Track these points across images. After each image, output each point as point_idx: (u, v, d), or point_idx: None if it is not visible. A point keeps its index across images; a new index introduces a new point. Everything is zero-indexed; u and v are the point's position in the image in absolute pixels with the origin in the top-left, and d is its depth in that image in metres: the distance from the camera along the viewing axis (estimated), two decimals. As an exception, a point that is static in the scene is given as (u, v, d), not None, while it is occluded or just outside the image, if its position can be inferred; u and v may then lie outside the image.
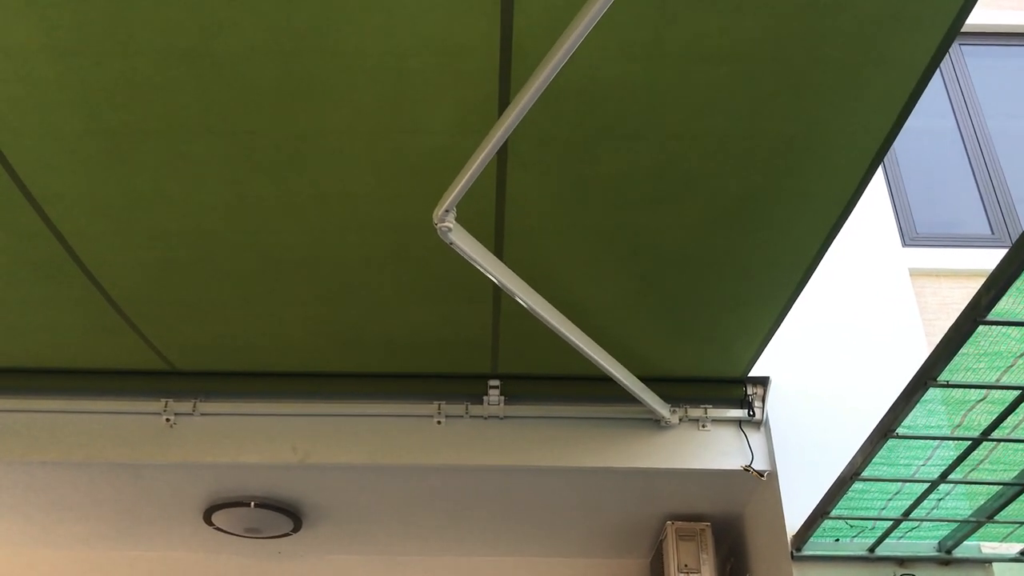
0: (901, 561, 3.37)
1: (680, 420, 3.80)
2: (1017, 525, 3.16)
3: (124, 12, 2.07)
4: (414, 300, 3.19)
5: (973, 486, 2.95)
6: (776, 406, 3.82)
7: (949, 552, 3.34)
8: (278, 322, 3.34)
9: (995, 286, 2.08)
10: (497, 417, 3.81)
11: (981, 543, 3.35)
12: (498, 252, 2.88)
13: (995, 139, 4.88)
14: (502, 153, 2.50)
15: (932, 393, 2.45)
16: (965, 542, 3.29)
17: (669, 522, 4.17)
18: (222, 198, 2.67)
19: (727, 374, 3.75)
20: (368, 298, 3.18)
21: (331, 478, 3.95)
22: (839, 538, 3.38)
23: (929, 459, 2.82)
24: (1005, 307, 2.12)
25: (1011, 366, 2.36)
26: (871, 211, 4.45)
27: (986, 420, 2.58)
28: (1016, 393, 2.44)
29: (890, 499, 3.06)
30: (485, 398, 3.79)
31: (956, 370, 2.36)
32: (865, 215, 4.39)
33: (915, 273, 4.30)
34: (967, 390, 2.47)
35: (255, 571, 4.81)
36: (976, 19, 5.16)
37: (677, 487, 3.95)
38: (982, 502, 3.04)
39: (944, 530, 3.27)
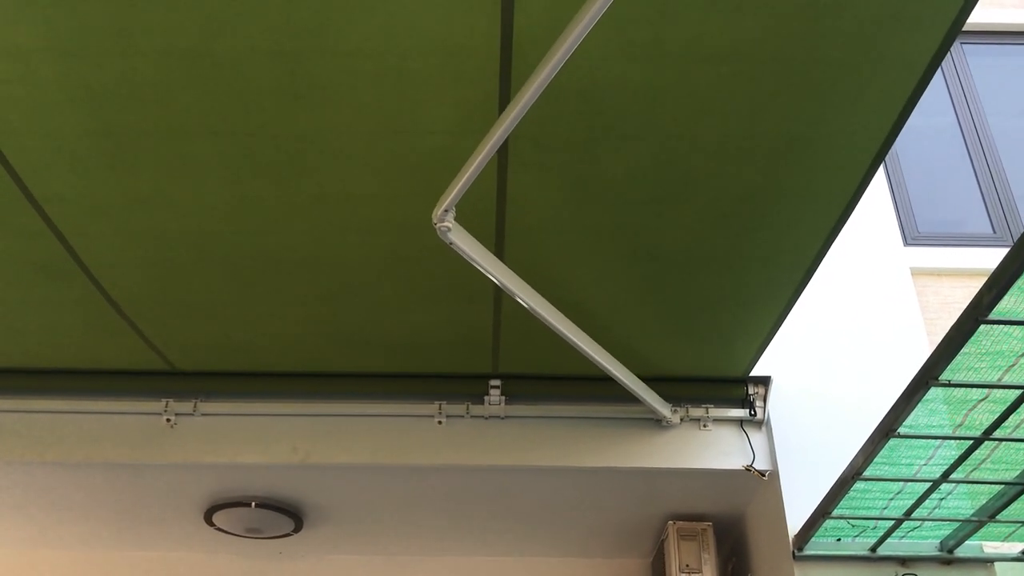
0: (903, 561, 3.37)
1: (681, 420, 3.80)
2: (1019, 524, 3.15)
3: (124, 13, 2.07)
4: (415, 300, 3.19)
5: (975, 485, 2.95)
6: (777, 406, 3.82)
7: (951, 552, 3.34)
8: (279, 322, 3.34)
9: (997, 285, 2.08)
10: (498, 417, 3.81)
11: (983, 543, 3.35)
12: (499, 252, 2.88)
13: (996, 138, 4.87)
14: (503, 153, 2.50)
15: (934, 392, 2.45)
16: (967, 542, 3.29)
17: (670, 522, 4.16)
18: (222, 198, 2.67)
19: (728, 374, 3.75)
20: (369, 298, 3.18)
21: (332, 478, 3.95)
22: (841, 538, 3.38)
23: (931, 459, 2.81)
24: (1007, 306, 2.12)
25: (1013, 365, 2.35)
26: (872, 210, 4.44)
27: (988, 419, 2.57)
28: (1018, 392, 2.44)
29: (892, 499, 3.06)
30: (486, 398, 3.79)
31: (958, 369, 2.36)
32: (866, 214, 4.38)
33: (916, 272, 4.30)
34: (969, 389, 2.47)
35: (256, 571, 4.81)
36: (977, 18, 5.15)
37: (678, 487, 3.94)
38: (984, 502, 3.04)
39: (946, 530, 3.27)
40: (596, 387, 3.68)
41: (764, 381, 3.82)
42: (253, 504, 4.14)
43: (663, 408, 3.68)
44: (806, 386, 3.85)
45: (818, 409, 3.77)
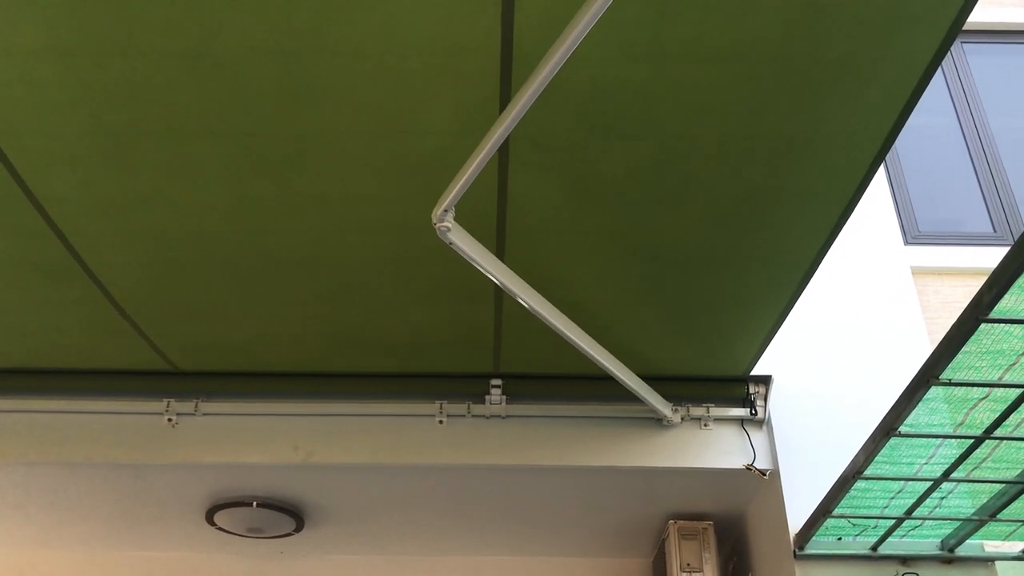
0: (904, 560, 3.37)
1: (682, 419, 3.80)
2: (1020, 524, 3.15)
3: (125, 13, 2.07)
4: (415, 300, 3.19)
5: (976, 484, 2.95)
6: (778, 405, 3.82)
7: (952, 551, 3.34)
8: (280, 322, 3.35)
9: (997, 284, 2.08)
10: (499, 416, 3.81)
11: (984, 541, 3.35)
12: (500, 252, 2.88)
13: (997, 137, 4.87)
14: (503, 153, 2.50)
15: (934, 391, 2.45)
16: (968, 540, 3.29)
17: (671, 521, 4.17)
18: (222, 198, 2.67)
19: (729, 373, 3.75)
20: (369, 298, 3.18)
21: (333, 478, 3.95)
22: (842, 537, 3.38)
23: (931, 457, 2.81)
24: (1007, 305, 2.12)
25: (1013, 364, 2.35)
26: (873, 209, 4.44)
27: (988, 418, 2.57)
28: (1018, 391, 2.44)
29: (892, 498, 3.06)
30: (487, 397, 3.79)
31: (958, 368, 2.36)
32: (867, 213, 4.38)
33: (917, 271, 4.30)
34: (969, 388, 2.47)
35: (257, 571, 4.82)
36: (978, 17, 5.15)
37: (679, 486, 3.95)
38: (985, 500, 3.04)
39: (947, 529, 3.27)
40: (597, 386, 3.68)
41: (765, 380, 3.82)
42: (254, 504, 4.14)
43: (664, 407, 3.68)
44: (807, 385, 3.85)
45: (819, 408, 3.77)
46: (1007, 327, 2.21)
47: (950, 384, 2.41)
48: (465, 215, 2.51)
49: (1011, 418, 2.55)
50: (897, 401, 2.56)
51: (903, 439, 2.69)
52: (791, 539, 3.45)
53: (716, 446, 3.78)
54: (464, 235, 2.56)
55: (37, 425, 3.81)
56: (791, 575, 3.44)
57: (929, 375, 2.39)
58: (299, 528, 4.37)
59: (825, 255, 2.87)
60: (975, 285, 2.18)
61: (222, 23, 2.09)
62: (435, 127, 2.40)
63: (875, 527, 3.27)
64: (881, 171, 4.64)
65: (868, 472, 2.86)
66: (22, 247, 2.89)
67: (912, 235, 4.52)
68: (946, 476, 2.86)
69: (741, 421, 3.82)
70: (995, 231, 4.57)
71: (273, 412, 3.82)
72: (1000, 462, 2.80)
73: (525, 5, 2.05)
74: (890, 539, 3.30)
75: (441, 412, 3.81)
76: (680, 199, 2.66)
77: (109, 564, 4.81)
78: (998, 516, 3.06)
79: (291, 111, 2.35)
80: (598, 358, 3.23)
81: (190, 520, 4.39)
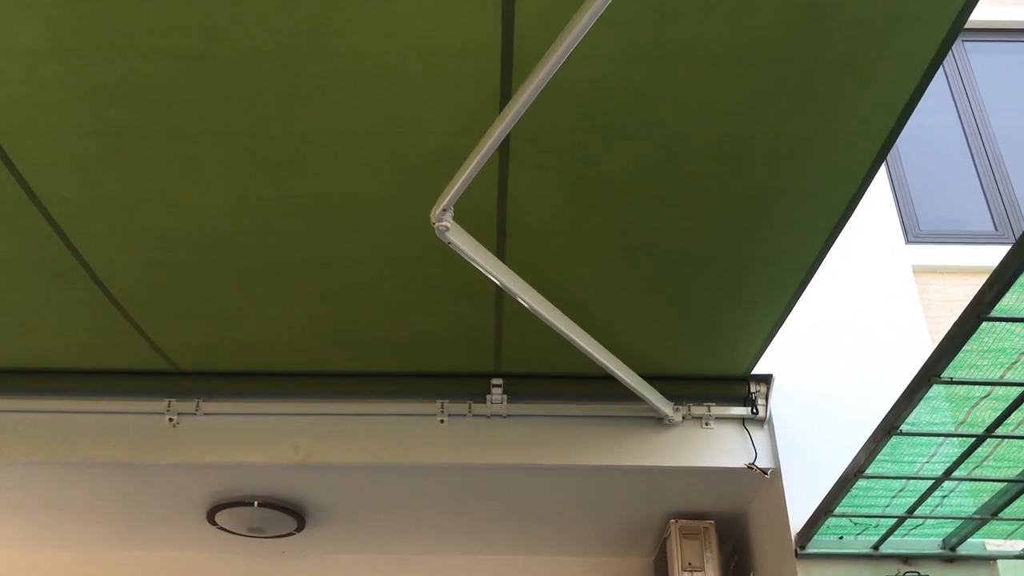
0: (905, 559, 3.37)
1: (683, 418, 3.80)
2: (1021, 522, 3.15)
3: (126, 13, 2.07)
4: (416, 300, 3.19)
5: (977, 483, 2.95)
6: (779, 404, 3.82)
7: (953, 549, 3.34)
8: (281, 322, 3.35)
9: (999, 283, 2.08)
10: (500, 416, 3.81)
11: (985, 540, 3.35)
12: (500, 252, 2.88)
13: (998, 135, 4.87)
14: (504, 153, 2.50)
15: (936, 390, 2.45)
16: (969, 539, 3.29)
17: (673, 520, 4.17)
18: (224, 199, 2.67)
19: (730, 372, 3.75)
20: (370, 298, 3.18)
21: (334, 477, 3.95)
22: (843, 536, 3.38)
23: (933, 456, 2.81)
24: (1009, 303, 2.12)
25: (1015, 363, 2.35)
26: (874, 208, 4.44)
27: (990, 417, 2.57)
28: (1020, 390, 2.44)
29: (894, 496, 3.06)
30: (488, 397, 3.79)
31: (960, 367, 2.36)
32: (868, 212, 4.38)
33: (918, 270, 4.30)
34: (971, 387, 2.47)
35: (258, 571, 4.82)
36: (979, 15, 5.14)
37: (681, 485, 3.95)
38: (986, 499, 3.04)
39: (948, 527, 3.27)
40: (598, 386, 3.68)
41: (766, 379, 3.82)
42: (255, 503, 4.14)
43: (665, 406, 3.68)
44: (808, 384, 3.85)
45: (820, 407, 3.77)
46: (1008, 325, 2.21)
47: (951, 383, 2.41)
48: (466, 215, 2.51)
49: (1012, 416, 2.55)
50: (898, 400, 2.56)
51: (904, 438, 2.69)
52: (792, 538, 3.45)
53: (717, 445, 3.78)
54: (463, 235, 2.56)
55: (37, 425, 3.82)
56: (792, 574, 3.44)
57: (930, 374, 2.39)
58: (300, 528, 4.38)
59: (826, 255, 2.87)
60: (976, 284, 2.18)
61: (223, 23, 2.10)
62: (435, 127, 2.40)
63: (876, 526, 3.27)
64: (882, 169, 4.64)
65: (869, 471, 2.86)
66: (23, 247, 2.89)
67: (913, 234, 4.52)
68: (947, 475, 2.86)
69: (742, 420, 3.82)
70: (996, 229, 4.57)
71: (274, 412, 3.82)
72: (1001, 461, 2.80)
73: (525, 5, 2.05)
74: (891, 538, 3.30)
75: (442, 411, 3.81)
76: (680, 199, 2.66)
77: (109, 564, 4.82)
78: (1000, 515, 3.06)
79: (292, 111, 2.35)
80: (599, 357, 3.23)
81: (191, 520, 4.39)
